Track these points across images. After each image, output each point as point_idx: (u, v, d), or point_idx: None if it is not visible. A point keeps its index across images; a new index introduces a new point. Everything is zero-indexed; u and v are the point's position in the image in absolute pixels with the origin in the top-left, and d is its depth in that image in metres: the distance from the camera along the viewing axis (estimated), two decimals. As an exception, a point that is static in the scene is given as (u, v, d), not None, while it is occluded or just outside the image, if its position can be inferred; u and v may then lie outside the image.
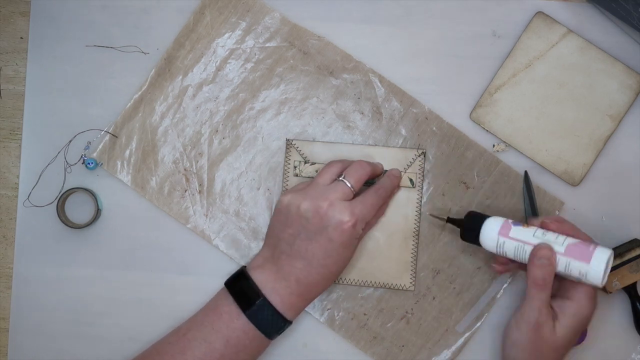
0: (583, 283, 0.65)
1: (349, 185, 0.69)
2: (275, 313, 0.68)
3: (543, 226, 0.67)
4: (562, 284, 0.68)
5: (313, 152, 0.76)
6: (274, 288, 0.68)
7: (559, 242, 0.65)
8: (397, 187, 0.75)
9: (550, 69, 0.76)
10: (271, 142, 0.77)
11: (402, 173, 0.75)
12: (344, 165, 0.72)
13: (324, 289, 0.71)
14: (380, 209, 0.74)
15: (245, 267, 0.71)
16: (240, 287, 0.69)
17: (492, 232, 0.68)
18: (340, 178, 0.69)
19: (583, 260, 0.63)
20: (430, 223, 0.76)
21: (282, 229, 0.69)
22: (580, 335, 0.68)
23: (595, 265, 0.63)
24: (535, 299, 0.65)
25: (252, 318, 0.68)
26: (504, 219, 0.69)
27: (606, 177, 0.76)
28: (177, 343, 0.69)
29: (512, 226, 0.67)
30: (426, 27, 0.77)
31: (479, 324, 0.75)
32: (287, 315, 0.69)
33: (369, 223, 0.73)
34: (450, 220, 0.72)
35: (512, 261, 0.69)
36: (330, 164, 0.72)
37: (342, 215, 0.67)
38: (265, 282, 0.68)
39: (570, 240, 0.65)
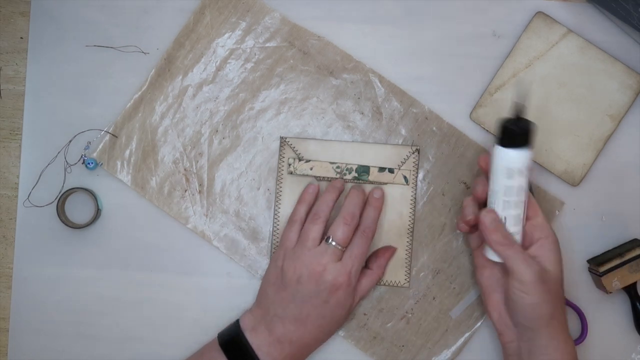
0: (532, 225, 0.67)
1: (339, 247, 0.70)
2: None
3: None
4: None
5: (307, 150, 0.76)
6: (268, 352, 0.69)
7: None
8: (381, 207, 0.74)
9: (550, 69, 0.76)
10: (271, 142, 0.77)
11: (396, 170, 0.75)
12: (313, 202, 0.73)
13: (317, 347, 0.72)
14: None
15: (239, 323, 0.71)
16: (236, 349, 0.69)
17: (526, 157, 0.66)
18: (329, 242, 0.70)
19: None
20: (430, 223, 0.76)
21: (276, 292, 0.70)
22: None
23: None
24: (515, 257, 0.65)
25: None
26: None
27: (606, 177, 0.76)
28: None
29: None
30: (426, 27, 0.77)
31: (479, 324, 0.76)
32: None
33: (364, 289, 0.73)
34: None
35: (475, 227, 0.70)
36: (299, 202, 0.73)
37: (336, 277, 0.68)
38: (260, 345, 0.69)
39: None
